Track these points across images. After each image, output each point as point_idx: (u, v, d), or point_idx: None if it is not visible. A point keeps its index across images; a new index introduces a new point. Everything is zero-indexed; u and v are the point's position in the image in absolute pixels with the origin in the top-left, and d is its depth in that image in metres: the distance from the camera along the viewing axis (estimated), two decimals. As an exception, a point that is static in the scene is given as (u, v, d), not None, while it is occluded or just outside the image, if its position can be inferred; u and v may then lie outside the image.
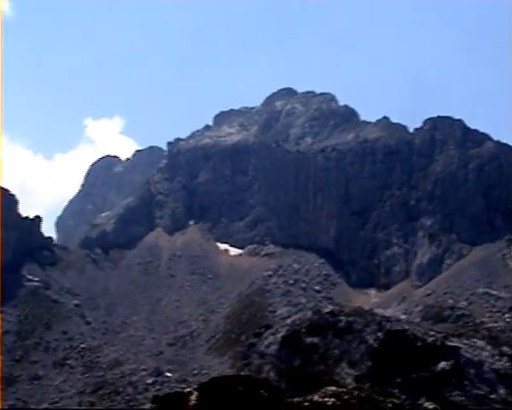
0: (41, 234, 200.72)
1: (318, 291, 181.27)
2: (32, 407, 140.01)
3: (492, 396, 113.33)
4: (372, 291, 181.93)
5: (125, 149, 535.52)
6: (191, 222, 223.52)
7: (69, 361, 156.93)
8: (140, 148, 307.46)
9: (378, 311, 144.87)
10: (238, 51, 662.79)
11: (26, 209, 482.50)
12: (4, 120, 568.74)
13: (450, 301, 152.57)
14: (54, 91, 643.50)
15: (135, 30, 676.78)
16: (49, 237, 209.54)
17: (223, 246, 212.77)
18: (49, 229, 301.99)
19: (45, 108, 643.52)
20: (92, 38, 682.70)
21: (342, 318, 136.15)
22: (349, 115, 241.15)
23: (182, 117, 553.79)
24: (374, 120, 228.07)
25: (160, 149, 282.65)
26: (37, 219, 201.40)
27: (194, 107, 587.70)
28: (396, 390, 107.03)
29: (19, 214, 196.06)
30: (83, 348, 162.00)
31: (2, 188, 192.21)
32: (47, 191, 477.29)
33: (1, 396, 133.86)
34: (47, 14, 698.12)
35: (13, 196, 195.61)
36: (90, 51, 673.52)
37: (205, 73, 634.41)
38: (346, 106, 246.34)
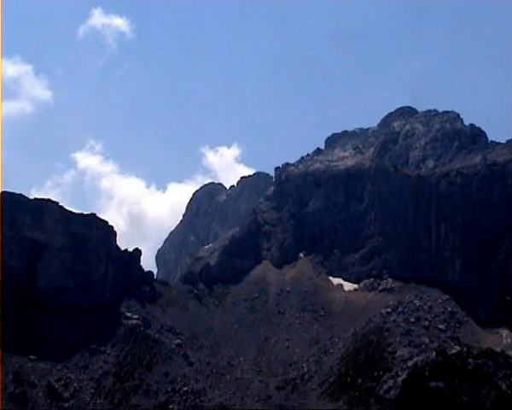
0: (141, 268, 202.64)
1: (443, 330, 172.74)
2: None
3: None
4: (504, 331, 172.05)
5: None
6: (301, 254, 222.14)
7: (171, 406, 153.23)
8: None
9: (511, 353, 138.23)
10: (351, 69, 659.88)
11: (135, 241, 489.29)
12: (117, 150, 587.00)
13: None
14: (175, 120, 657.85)
15: (249, 61, 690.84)
16: (150, 272, 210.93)
17: (336, 280, 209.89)
18: (152, 263, 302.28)
19: (163, 137, 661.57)
20: (213, 67, 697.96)
21: (470, 360, 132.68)
22: (475, 136, 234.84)
23: (293, 141, 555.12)
24: (504, 141, 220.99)
25: (267, 175, 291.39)
26: (137, 252, 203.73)
27: (306, 129, 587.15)
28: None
29: (118, 247, 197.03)
30: (185, 391, 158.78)
31: (100, 219, 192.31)
32: (156, 222, 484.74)
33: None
34: (164, 38, 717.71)
35: (111, 227, 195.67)
36: (211, 82, 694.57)
37: (317, 93, 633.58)
38: (473, 125, 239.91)
